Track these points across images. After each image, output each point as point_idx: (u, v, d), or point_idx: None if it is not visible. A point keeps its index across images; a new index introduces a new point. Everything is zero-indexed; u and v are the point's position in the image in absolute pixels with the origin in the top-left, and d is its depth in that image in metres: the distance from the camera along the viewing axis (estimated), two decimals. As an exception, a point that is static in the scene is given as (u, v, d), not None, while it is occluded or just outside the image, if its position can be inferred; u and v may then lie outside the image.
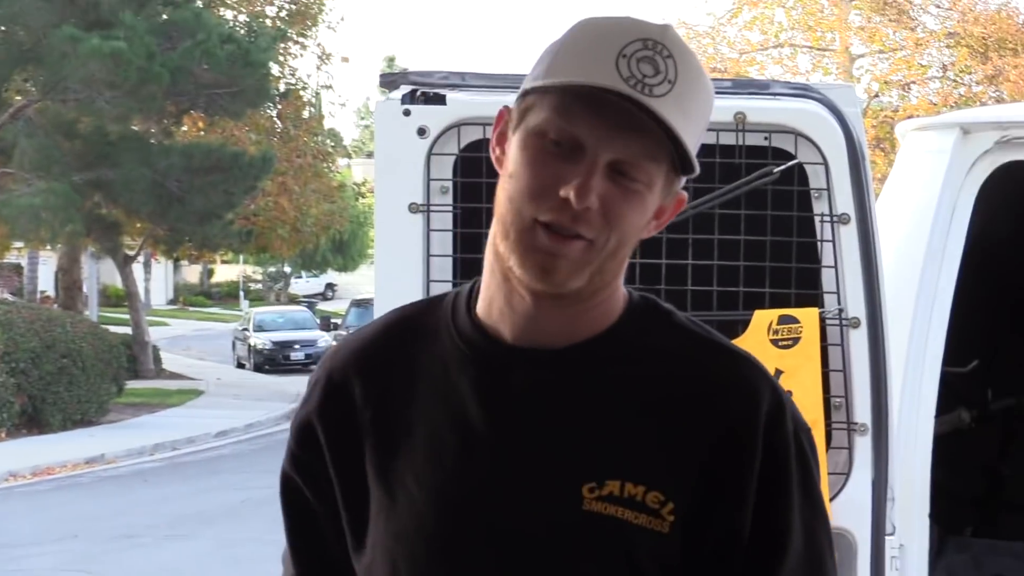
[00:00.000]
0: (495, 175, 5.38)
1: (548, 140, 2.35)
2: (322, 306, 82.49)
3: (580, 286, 2.40)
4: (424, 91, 5.34)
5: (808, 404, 5.06)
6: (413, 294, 5.15)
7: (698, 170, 2.44)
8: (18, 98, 37.93)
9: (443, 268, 5.32)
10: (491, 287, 2.53)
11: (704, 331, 2.64)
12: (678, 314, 2.63)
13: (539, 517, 2.44)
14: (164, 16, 37.05)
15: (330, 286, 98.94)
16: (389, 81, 5.60)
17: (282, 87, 45.78)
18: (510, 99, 5.52)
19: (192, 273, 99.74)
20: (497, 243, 2.46)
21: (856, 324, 5.15)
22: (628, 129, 2.32)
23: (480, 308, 2.55)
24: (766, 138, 5.21)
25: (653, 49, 2.33)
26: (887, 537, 5.24)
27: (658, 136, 2.32)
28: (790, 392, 5.30)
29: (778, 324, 5.18)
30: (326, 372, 2.69)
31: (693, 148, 2.40)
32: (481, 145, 5.28)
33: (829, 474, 5.14)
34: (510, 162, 2.45)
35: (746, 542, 2.45)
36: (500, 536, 2.47)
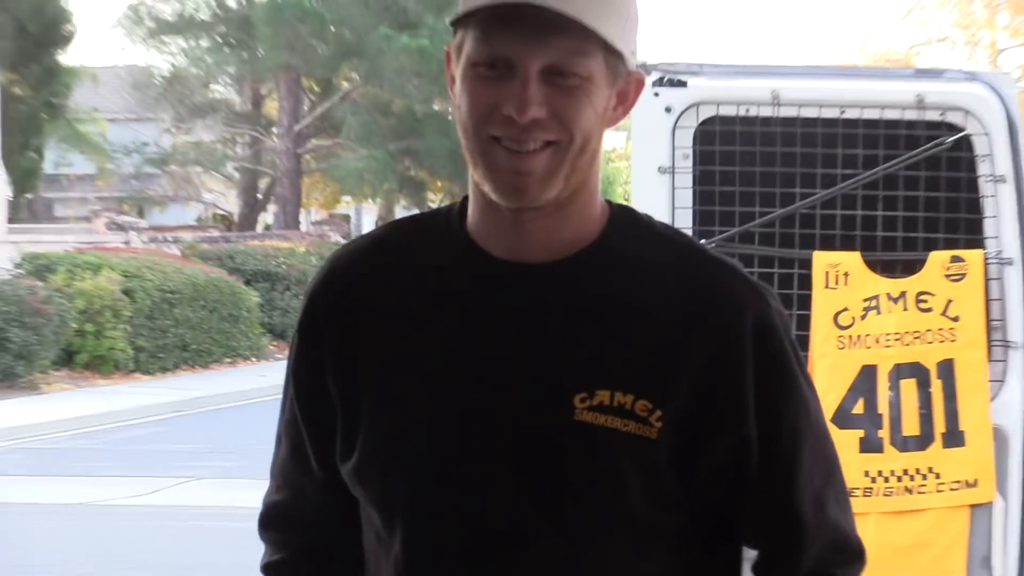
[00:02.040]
0: (727, 143, 5.80)
1: (481, 67, 2.18)
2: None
3: (556, 193, 2.21)
4: (670, 77, 5.61)
5: (973, 326, 5.45)
6: None
7: (626, 47, 2.23)
8: (345, 84, 44.44)
9: (685, 217, 5.54)
10: (477, 207, 2.33)
11: (687, 239, 2.47)
12: (657, 223, 2.41)
13: (531, 427, 2.26)
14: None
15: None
16: (642, 69, 5.79)
17: None
18: (739, 83, 5.97)
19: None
20: (472, 172, 2.28)
21: (1011, 263, 5.40)
22: (548, 33, 2.12)
23: (471, 225, 2.34)
24: (941, 115, 5.44)
25: None
26: None
27: (579, 31, 2.12)
28: (957, 317, 5.56)
29: (950, 263, 5.38)
30: (330, 271, 2.48)
31: (618, 29, 2.19)
32: (715, 120, 5.66)
33: (990, 381, 5.46)
34: (457, 96, 2.27)
35: (757, 446, 2.26)
36: (491, 446, 2.29)
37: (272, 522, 2.57)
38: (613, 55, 2.16)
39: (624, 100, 2.25)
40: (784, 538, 2.36)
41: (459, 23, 2.19)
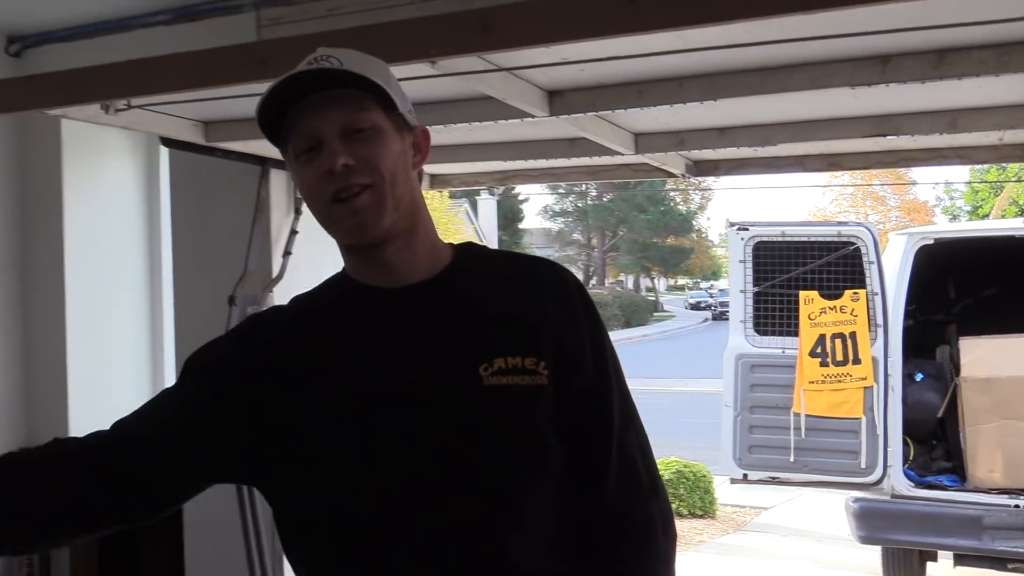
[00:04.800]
0: (766, 251, 6.25)
1: (303, 154, 1.56)
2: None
3: (391, 223, 1.56)
4: (741, 225, 6.40)
5: (862, 318, 6.01)
6: (739, 296, 6.40)
7: (400, 104, 1.60)
8: (620, 233, 49.94)
9: (749, 278, 6.32)
10: (349, 259, 1.65)
11: (510, 251, 1.82)
12: (488, 246, 1.89)
13: (451, 402, 1.53)
14: (660, 210, 48.01)
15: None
16: (731, 224, 6.49)
17: (696, 225, 52.70)
18: (768, 228, 6.29)
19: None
20: (330, 234, 1.61)
21: (877, 294, 6.02)
22: (329, 105, 1.54)
23: (350, 272, 1.66)
24: (848, 239, 6.12)
25: (315, 59, 1.57)
26: (890, 359, 6.00)
27: (354, 96, 1.54)
28: (856, 314, 5.97)
29: (853, 294, 6.05)
30: (251, 324, 1.71)
31: (389, 89, 1.57)
32: (761, 243, 6.33)
33: (870, 339, 5.97)
34: (298, 190, 1.73)
35: (591, 379, 1.61)
36: (421, 426, 1.52)
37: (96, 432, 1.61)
38: (391, 110, 1.58)
39: (420, 149, 1.65)
40: (594, 459, 1.63)
41: (279, 141, 1.60)
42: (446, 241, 1.72)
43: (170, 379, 4.37)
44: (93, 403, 4.57)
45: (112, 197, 4.64)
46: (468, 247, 1.73)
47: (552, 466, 1.59)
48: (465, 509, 1.53)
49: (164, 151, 4.25)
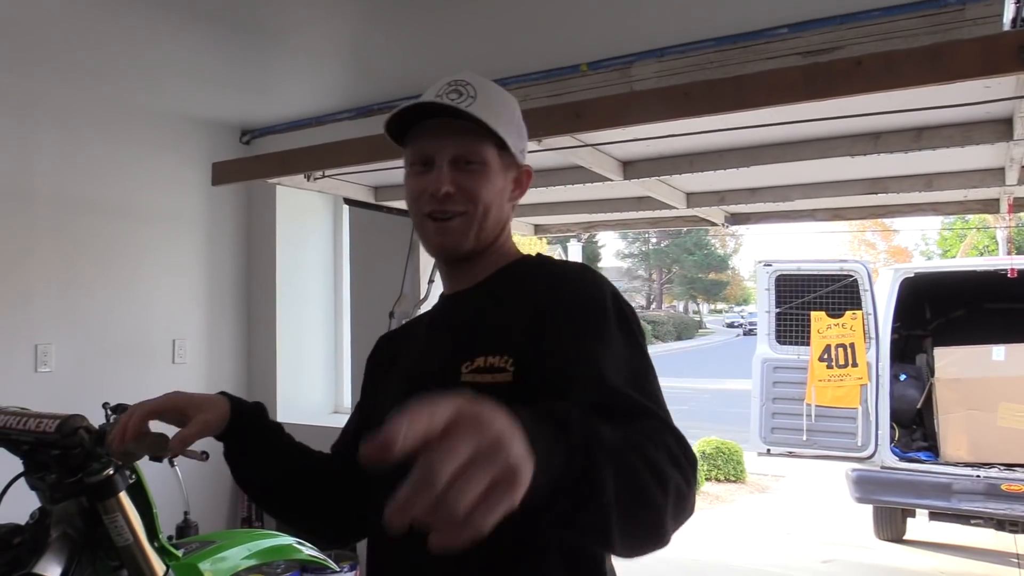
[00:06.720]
0: (786, 282, 5.81)
1: (415, 166, 1.32)
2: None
3: (473, 247, 1.32)
4: (767, 262, 6.03)
5: (859, 332, 5.62)
6: (765, 316, 5.92)
7: (514, 145, 1.32)
8: (673, 269, 46.02)
9: (773, 302, 5.97)
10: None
11: (567, 262, 1.31)
12: (556, 259, 1.35)
13: (437, 390, 0.84)
14: (704, 253, 43.73)
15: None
16: (759, 262, 6.08)
17: (731, 264, 48.79)
18: (787, 263, 5.84)
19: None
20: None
21: (871, 314, 5.66)
22: (453, 134, 1.28)
23: None
24: (848, 272, 5.76)
25: (457, 84, 1.29)
26: (880, 364, 5.65)
27: (475, 130, 1.27)
28: (854, 329, 5.52)
29: (852, 314, 5.56)
30: (385, 335, 1.53)
31: (507, 134, 1.29)
32: (782, 276, 5.94)
33: (865, 348, 5.54)
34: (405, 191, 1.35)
35: (564, 361, 1.12)
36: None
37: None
38: (503, 149, 1.31)
39: (520, 185, 1.37)
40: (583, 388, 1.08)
41: (403, 145, 1.34)
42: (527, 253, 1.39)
43: (347, 371, 4.69)
44: (293, 386, 4.67)
45: (310, 239, 4.73)
46: (529, 258, 1.38)
47: None
48: None
49: (346, 208, 4.35)
